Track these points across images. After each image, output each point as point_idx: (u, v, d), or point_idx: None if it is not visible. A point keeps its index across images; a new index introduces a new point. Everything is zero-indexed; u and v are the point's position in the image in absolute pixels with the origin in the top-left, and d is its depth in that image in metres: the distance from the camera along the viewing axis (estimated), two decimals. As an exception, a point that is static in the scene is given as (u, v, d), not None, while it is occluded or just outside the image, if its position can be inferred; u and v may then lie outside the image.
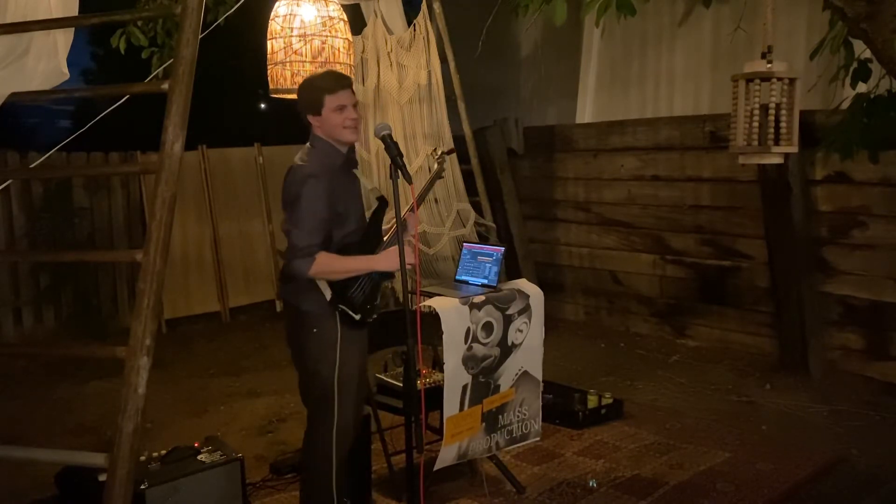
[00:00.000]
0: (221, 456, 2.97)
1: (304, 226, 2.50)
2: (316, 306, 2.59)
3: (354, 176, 2.76)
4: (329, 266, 2.53)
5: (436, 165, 3.15)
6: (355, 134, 2.62)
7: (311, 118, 2.62)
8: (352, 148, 2.71)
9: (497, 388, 3.05)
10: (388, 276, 2.72)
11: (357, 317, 2.62)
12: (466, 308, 2.90)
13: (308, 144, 2.67)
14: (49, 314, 6.25)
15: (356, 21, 4.93)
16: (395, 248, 2.52)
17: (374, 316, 2.72)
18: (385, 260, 2.60)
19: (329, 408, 2.62)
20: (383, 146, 2.45)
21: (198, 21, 2.25)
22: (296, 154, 2.67)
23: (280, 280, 2.93)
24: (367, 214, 2.81)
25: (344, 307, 2.60)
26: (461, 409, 2.93)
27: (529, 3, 2.95)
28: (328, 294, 2.57)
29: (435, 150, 3.35)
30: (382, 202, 2.76)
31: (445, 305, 2.86)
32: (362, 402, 2.85)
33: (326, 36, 3.32)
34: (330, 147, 2.63)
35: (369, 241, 2.70)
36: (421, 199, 3.05)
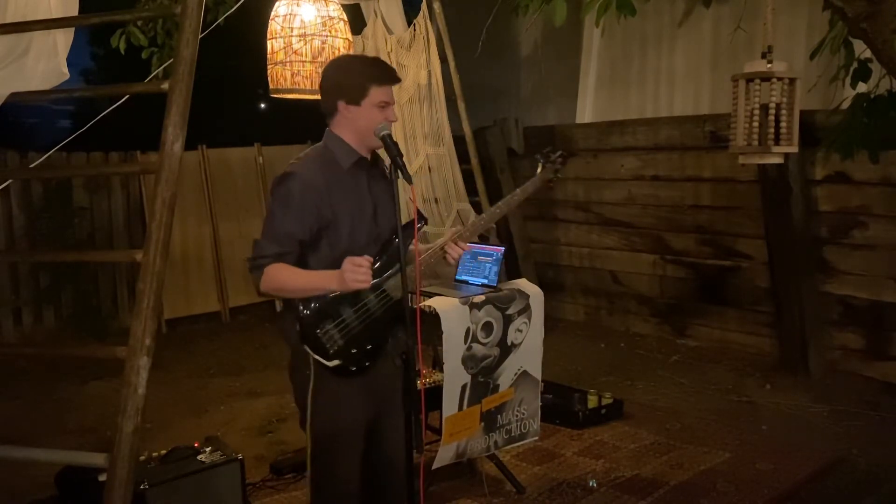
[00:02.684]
0: (221, 456, 2.96)
1: (266, 232, 2.15)
2: (292, 338, 2.17)
3: (375, 188, 2.26)
4: (278, 281, 2.11)
5: (541, 169, 2.60)
6: None
7: (342, 106, 2.17)
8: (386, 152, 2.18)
9: (496, 387, 3.04)
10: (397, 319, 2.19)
11: (331, 364, 2.13)
12: (466, 308, 2.90)
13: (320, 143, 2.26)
14: (49, 314, 6.25)
15: (356, 21, 4.93)
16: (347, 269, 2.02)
17: (367, 364, 2.18)
18: (339, 279, 2.04)
19: (307, 459, 2.23)
20: (383, 146, 2.39)
21: (198, 21, 2.25)
22: (296, 155, 2.45)
23: None
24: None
25: (309, 348, 2.13)
26: (460, 408, 2.93)
27: (529, 3, 2.95)
28: (297, 327, 2.13)
29: (549, 153, 2.62)
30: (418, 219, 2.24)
31: (445, 305, 2.86)
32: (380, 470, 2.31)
33: (326, 36, 3.32)
34: (342, 146, 2.21)
35: (383, 265, 2.19)
36: (507, 207, 2.50)
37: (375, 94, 2.15)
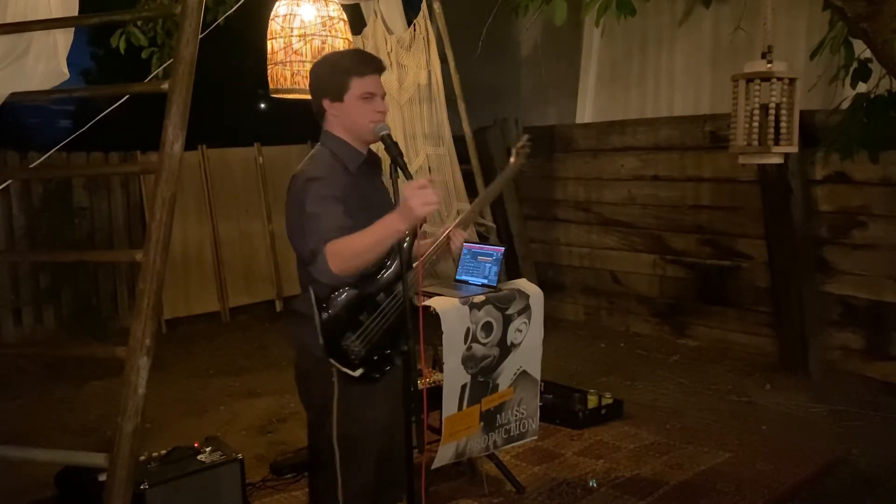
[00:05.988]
0: (221, 456, 2.97)
1: (319, 226, 2.00)
2: (308, 352, 2.14)
3: (380, 186, 2.26)
4: (346, 249, 1.93)
5: (514, 157, 2.74)
6: None
7: (327, 104, 2.14)
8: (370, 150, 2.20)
9: (496, 387, 3.05)
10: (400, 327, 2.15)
11: (356, 373, 2.10)
12: (466, 308, 2.90)
13: (317, 146, 2.21)
14: (49, 314, 6.25)
15: (356, 21, 4.93)
16: (415, 190, 1.88)
17: (388, 368, 2.17)
18: (405, 212, 1.88)
19: (330, 475, 2.18)
20: (383, 146, 2.37)
21: (198, 21, 2.24)
22: (296, 155, 2.41)
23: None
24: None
25: (336, 362, 2.09)
26: (460, 408, 2.93)
27: (529, 3, 2.94)
28: (320, 340, 2.08)
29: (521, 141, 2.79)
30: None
31: (445, 305, 2.86)
32: (392, 472, 2.29)
33: (326, 36, 3.31)
34: (344, 147, 2.17)
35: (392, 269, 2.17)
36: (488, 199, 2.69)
37: (357, 85, 2.11)
